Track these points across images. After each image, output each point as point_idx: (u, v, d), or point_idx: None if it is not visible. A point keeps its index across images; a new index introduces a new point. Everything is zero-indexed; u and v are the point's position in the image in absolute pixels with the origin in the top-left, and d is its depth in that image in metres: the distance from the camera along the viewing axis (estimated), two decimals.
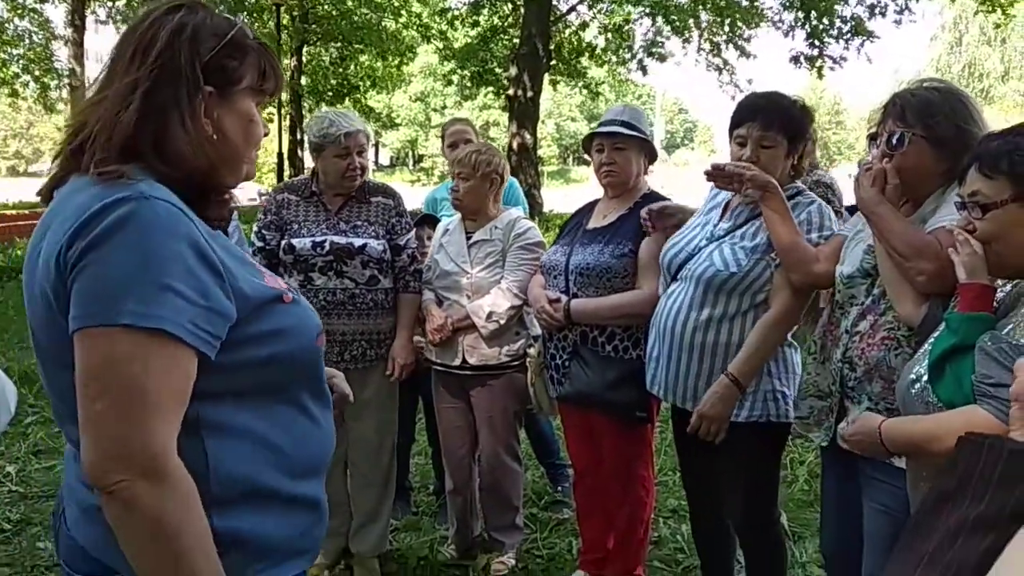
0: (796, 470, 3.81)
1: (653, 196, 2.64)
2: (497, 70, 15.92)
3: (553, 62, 14.51)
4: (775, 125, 2.20)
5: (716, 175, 2.21)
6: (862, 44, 12.74)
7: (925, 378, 1.54)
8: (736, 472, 2.33)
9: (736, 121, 2.26)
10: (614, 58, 14.59)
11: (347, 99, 22.15)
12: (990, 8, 12.23)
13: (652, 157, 2.73)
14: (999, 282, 1.59)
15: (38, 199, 1.17)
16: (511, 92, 13.21)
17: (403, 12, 18.51)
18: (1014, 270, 1.52)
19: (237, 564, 1.07)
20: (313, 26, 20.02)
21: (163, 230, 0.99)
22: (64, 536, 1.13)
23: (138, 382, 0.95)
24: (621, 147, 2.62)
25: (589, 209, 2.80)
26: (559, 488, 3.65)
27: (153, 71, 1.07)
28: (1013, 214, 1.48)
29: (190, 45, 1.09)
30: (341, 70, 22.15)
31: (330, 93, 22.37)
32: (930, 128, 1.82)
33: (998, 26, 13.65)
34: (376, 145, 44.75)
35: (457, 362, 2.86)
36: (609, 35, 13.74)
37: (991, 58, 42.18)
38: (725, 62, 14.23)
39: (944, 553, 0.65)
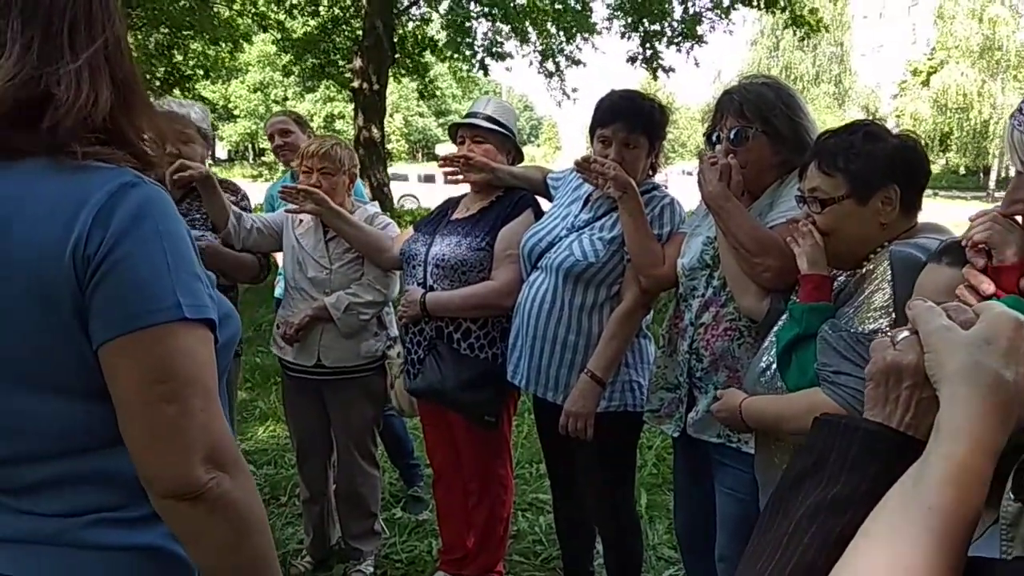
0: (645, 455, 3.96)
1: (515, 191, 2.63)
2: (340, 62, 15.44)
3: (397, 55, 14.29)
4: (639, 127, 2.25)
5: (583, 167, 2.24)
6: (691, 48, 13.47)
7: (774, 366, 1.63)
8: (596, 461, 2.38)
9: (600, 121, 2.29)
10: (456, 55, 14.51)
11: (176, 88, 20.76)
12: (797, 25, 13.39)
13: (518, 155, 2.72)
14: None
15: None
16: (356, 84, 12.86)
17: None
18: (849, 261, 1.64)
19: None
20: (137, 10, 18.54)
21: (174, 215, 0.94)
22: None
23: (202, 375, 0.92)
24: (481, 140, 2.60)
25: (457, 201, 2.76)
26: (415, 487, 3.59)
27: (108, 42, 0.93)
28: (848, 209, 1.59)
29: (120, 20, 0.96)
30: (168, 58, 20.70)
31: (158, 82, 20.81)
32: (769, 123, 1.91)
33: (805, 38, 14.91)
34: (212, 138, 42.16)
35: (312, 363, 2.75)
36: (451, 31, 13.64)
37: (804, 62, 46.03)
38: (557, 66, 14.62)
39: (804, 533, 0.66)
